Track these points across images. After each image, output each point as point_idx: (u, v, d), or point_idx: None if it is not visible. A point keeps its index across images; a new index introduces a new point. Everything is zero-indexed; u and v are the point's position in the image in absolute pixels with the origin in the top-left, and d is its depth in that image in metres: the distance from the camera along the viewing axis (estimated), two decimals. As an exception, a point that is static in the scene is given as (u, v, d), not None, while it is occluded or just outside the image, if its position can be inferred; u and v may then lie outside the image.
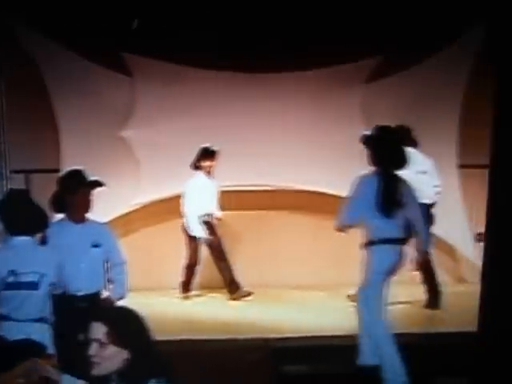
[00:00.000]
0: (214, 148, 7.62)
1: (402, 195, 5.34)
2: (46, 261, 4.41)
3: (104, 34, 7.37)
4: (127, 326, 2.62)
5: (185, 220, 7.67)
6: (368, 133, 5.50)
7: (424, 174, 7.32)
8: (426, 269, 7.34)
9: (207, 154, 7.65)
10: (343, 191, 8.15)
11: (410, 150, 7.23)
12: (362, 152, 8.15)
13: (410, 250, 5.48)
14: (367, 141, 5.45)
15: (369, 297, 5.25)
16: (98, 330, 2.58)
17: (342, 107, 8.26)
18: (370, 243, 5.29)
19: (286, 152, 8.20)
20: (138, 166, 7.98)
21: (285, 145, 8.14)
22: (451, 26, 7.80)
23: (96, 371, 2.58)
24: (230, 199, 7.94)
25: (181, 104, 8.02)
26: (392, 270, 5.32)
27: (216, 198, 7.83)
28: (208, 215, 7.77)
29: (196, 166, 7.70)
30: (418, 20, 7.50)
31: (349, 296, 7.18)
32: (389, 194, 5.28)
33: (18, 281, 4.33)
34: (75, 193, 4.96)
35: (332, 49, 7.67)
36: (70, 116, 7.81)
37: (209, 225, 7.76)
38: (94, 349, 2.59)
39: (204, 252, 7.87)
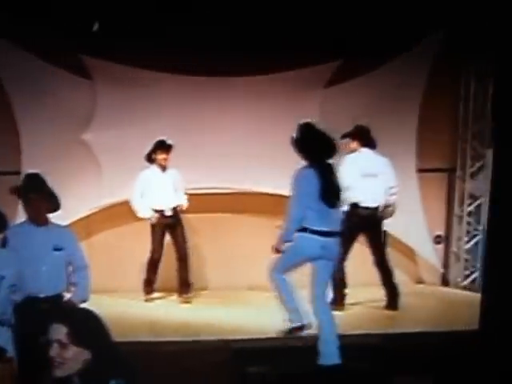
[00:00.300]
0: (170, 141, 7.61)
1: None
2: (5, 263, 4.37)
3: (64, 35, 7.31)
4: (87, 327, 2.62)
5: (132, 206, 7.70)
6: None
7: (374, 177, 7.40)
8: (385, 270, 7.44)
9: (162, 147, 7.65)
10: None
11: (363, 151, 7.39)
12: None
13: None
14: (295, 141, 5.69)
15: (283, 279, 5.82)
16: (59, 331, 2.58)
17: (302, 111, 8.24)
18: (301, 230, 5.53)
19: (246, 155, 8.23)
20: (99, 169, 7.94)
21: (246, 148, 8.18)
22: (410, 30, 7.88)
23: (58, 372, 2.58)
24: (192, 202, 7.91)
25: (141, 107, 8.00)
26: (309, 260, 5.62)
27: (173, 190, 7.78)
28: (165, 209, 7.72)
29: (150, 159, 7.71)
30: (377, 24, 7.55)
31: None
32: (329, 183, 5.50)
33: None
34: (26, 198, 4.95)
35: (291, 53, 7.69)
36: (30, 119, 7.74)
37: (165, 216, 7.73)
38: (54, 350, 2.59)
39: (166, 253, 7.86)
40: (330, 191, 5.51)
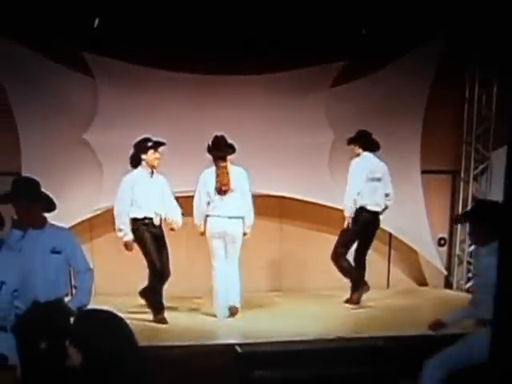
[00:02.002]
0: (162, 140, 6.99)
1: None
2: (6, 268, 4.27)
3: (66, 33, 7.21)
4: (85, 331, 2.65)
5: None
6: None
7: (379, 181, 7.47)
8: (362, 266, 7.59)
9: (155, 145, 6.90)
10: (307, 195, 8.27)
11: (365, 155, 7.43)
12: (326, 156, 8.32)
13: None
14: None
15: None
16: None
17: (307, 111, 8.27)
18: None
19: (249, 155, 8.15)
20: (100, 170, 7.84)
21: (249, 148, 8.09)
22: (415, 31, 7.88)
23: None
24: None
25: (144, 106, 7.89)
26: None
27: (162, 198, 7.00)
28: (150, 218, 6.90)
29: (139, 159, 6.94)
30: (383, 25, 7.54)
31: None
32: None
33: None
34: (15, 205, 4.83)
35: (298, 52, 7.67)
36: (30, 118, 7.61)
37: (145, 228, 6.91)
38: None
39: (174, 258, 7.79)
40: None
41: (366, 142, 7.48)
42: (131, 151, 6.94)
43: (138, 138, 6.91)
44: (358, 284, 7.54)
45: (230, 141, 7.12)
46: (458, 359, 4.75)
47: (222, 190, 7.05)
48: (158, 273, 6.89)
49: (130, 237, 6.85)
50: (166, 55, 7.66)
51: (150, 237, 6.89)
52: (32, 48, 7.52)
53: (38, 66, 7.62)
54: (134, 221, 6.90)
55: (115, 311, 2.77)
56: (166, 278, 6.97)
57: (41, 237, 4.89)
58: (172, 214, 7.05)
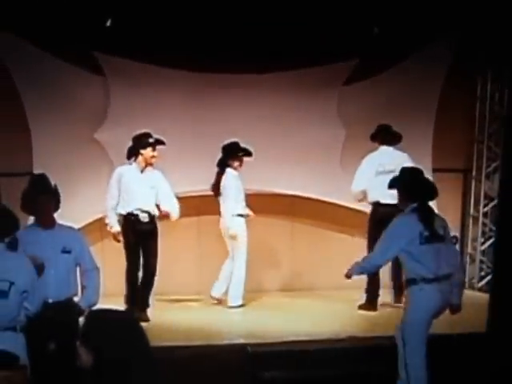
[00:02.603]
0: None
1: None
2: (16, 269, 4.27)
3: (77, 32, 7.21)
4: (95, 331, 2.62)
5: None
6: None
7: (393, 172, 7.35)
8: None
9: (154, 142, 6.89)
10: (318, 194, 8.24)
11: (381, 149, 7.38)
12: (338, 154, 8.28)
13: None
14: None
15: None
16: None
17: (319, 109, 8.26)
18: None
19: (261, 154, 8.14)
20: (112, 169, 7.82)
21: (260, 146, 8.08)
22: (427, 29, 7.85)
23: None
24: (209, 203, 7.84)
25: (155, 105, 7.89)
26: None
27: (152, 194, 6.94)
28: (135, 214, 6.83)
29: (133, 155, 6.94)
30: (394, 24, 7.53)
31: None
32: None
33: None
34: (33, 201, 4.89)
35: (310, 50, 7.65)
36: (42, 118, 7.61)
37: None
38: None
39: (180, 255, 7.79)
40: None
41: (382, 135, 7.43)
42: (130, 144, 6.88)
43: (138, 132, 6.88)
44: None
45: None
46: (419, 331, 4.97)
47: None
48: (130, 270, 6.87)
49: (116, 228, 6.87)
50: (176, 54, 7.64)
51: (131, 233, 6.83)
52: (44, 48, 7.53)
53: (49, 66, 7.63)
54: (120, 216, 6.91)
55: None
56: (147, 277, 6.89)
57: (51, 237, 4.93)
58: (167, 205, 6.94)
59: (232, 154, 7.47)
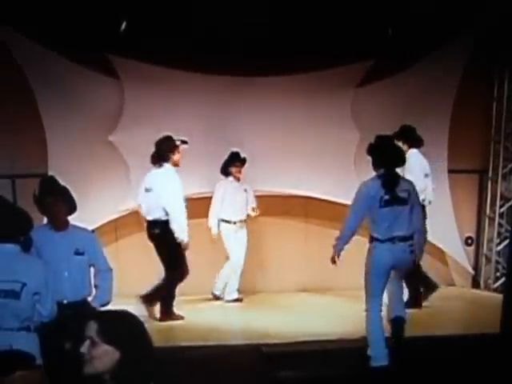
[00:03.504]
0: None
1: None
2: (28, 270, 4.26)
3: (91, 35, 7.24)
4: (120, 327, 2.59)
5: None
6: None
7: (427, 177, 7.37)
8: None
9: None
10: (332, 195, 8.22)
11: (413, 152, 7.28)
12: (352, 155, 8.26)
13: None
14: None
15: None
16: (91, 328, 2.56)
17: (333, 111, 8.24)
18: None
19: (275, 156, 8.15)
20: (126, 171, 7.87)
21: (274, 149, 8.09)
22: (442, 29, 7.80)
23: (86, 369, 2.56)
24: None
25: (169, 107, 7.91)
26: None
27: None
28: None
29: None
30: (409, 24, 7.48)
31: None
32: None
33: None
34: (42, 204, 4.91)
35: (324, 52, 7.62)
36: (57, 120, 7.65)
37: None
38: (85, 346, 2.57)
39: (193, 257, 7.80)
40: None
41: (410, 137, 7.30)
42: (155, 149, 6.94)
43: (162, 136, 6.94)
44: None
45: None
46: (371, 281, 5.51)
47: None
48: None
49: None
50: (190, 57, 7.65)
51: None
52: (59, 51, 7.57)
53: (64, 69, 7.67)
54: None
55: (132, 311, 2.78)
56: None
57: (64, 239, 4.93)
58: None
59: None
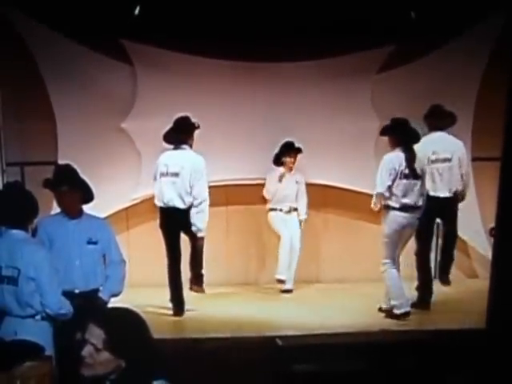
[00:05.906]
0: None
1: None
2: (23, 256, 4.27)
3: (104, 20, 7.10)
4: (124, 335, 2.58)
5: None
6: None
7: (447, 161, 7.16)
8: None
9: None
10: (351, 183, 8.07)
11: (435, 135, 7.09)
12: (372, 143, 8.08)
13: None
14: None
15: None
16: (95, 335, 2.56)
17: (353, 97, 8.08)
18: None
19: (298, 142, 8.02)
20: (139, 158, 7.76)
21: (291, 136, 7.94)
22: (468, 13, 7.59)
23: (87, 372, 2.58)
24: (237, 193, 7.84)
25: (183, 94, 7.75)
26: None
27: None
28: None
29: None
30: (433, 8, 7.29)
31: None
32: None
33: (1, 274, 4.28)
34: (54, 192, 4.87)
35: (344, 38, 7.45)
36: (68, 107, 7.56)
37: None
38: (87, 351, 2.57)
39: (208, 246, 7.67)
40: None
41: (435, 118, 7.16)
42: (178, 128, 6.72)
43: (182, 114, 6.76)
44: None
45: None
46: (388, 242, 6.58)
47: None
48: None
49: None
50: (206, 42, 7.49)
51: None
52: (70, 36, 7.46)
53: (76, 55, 7.55)
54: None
55: (132, 306, 2.72)
56: None
57: (77, 227, 4.88)
58: None
59: None
